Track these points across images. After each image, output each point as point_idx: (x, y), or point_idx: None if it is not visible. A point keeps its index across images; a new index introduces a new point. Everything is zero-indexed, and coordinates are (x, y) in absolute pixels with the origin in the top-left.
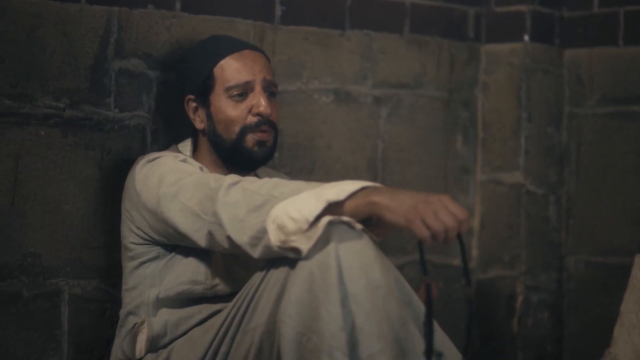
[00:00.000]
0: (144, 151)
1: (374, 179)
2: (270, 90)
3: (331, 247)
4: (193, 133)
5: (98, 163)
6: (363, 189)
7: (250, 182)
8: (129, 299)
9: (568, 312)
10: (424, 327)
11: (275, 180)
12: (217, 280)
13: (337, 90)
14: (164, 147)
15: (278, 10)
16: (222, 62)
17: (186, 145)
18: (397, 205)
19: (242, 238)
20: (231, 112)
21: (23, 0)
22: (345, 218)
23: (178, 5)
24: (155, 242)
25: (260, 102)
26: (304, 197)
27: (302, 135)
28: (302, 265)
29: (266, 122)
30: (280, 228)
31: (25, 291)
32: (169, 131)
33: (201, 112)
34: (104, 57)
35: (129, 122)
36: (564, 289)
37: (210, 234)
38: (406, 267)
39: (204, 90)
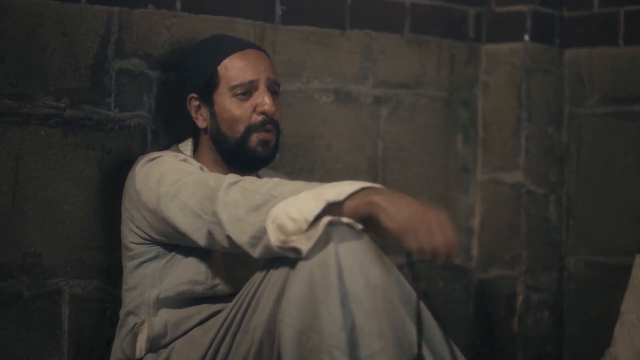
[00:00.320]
0: (144, 151)
1: (374, 179)
2: (274, 90)
3: (331, 247)
4: (194, 133)
5: (98, 163)
6: (363, 189)
7: (250, 182)
8: (129, 299)
9: (568, 312)
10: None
11: (275, 180)
12: (217, 280)
13: (338, 90)
14: (165, 147)
15: (278, 10)
16: (226, 61)
17: (187, 145)
18: (394, 211)
19: (241, 238)
20: (236, 110)
21: (23, 0)
22: (345, 218)
23: (178, 5)
24: (155, 242)
25: (264, 100)
26: (303, 197)
27: (302, 135)
28: (302, 265)
29: (270, 121)
30: (280, 228)
31: (25, 291)
32: (169, 131)
33: (204, 111)
34: (104, 57)
35: (129, 122)
36: (564, 289)
37: (209, 234)
38: (406, 267)
39: (207, 89)
